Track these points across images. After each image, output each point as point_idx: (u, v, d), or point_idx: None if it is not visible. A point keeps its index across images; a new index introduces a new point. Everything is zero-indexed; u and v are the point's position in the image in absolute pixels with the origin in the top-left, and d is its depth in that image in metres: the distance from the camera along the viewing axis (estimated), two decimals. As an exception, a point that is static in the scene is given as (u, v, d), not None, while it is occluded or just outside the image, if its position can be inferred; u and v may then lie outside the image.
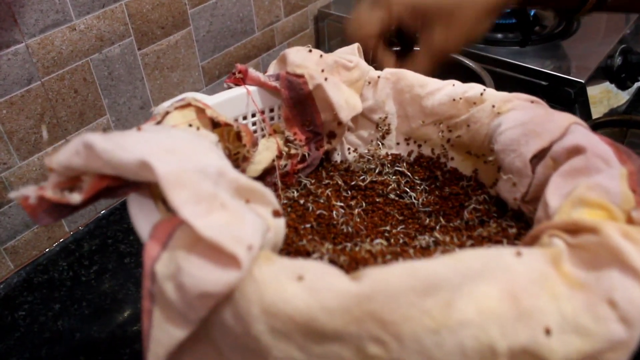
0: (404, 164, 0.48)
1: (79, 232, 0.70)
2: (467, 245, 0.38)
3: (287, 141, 0.49)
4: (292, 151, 0.49)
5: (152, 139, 0.30)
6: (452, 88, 0.46)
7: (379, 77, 0.48)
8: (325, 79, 0.45)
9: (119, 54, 0.66)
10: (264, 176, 0.48)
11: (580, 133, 0.35)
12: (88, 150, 0.28)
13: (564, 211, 0.31)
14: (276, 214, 0.33)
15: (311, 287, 0.24)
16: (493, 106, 0.42)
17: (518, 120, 0.39)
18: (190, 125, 0.38)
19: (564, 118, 0.37)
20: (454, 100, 0.45)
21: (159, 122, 0.37)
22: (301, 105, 0.47)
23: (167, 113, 0.38)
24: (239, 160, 0.43)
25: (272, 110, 0.50)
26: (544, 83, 0.71)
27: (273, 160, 0.48)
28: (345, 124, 0.48)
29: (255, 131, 0.49)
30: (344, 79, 0.47)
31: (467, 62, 0.63)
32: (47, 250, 0.68)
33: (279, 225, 0.33)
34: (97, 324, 0.59)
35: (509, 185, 0.39)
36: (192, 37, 0.74)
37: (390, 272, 0.25)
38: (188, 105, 0.39)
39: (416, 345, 0.23)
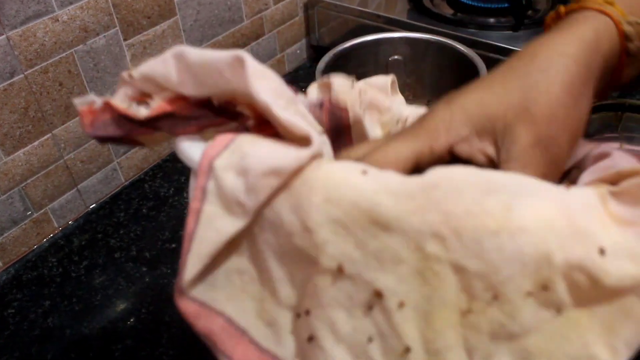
0: None
1: (68, 227, 0.69)
2: None
3: None
4: None
5: None
6: None
7: (407, 117, 0.48)
8: (364, 116, 0.45)
9: (104, 45, 0.65)
10: None
11: (606, 145, 0.35)
12: (177, 57, 0.27)
13: (608, 173, 0.30)
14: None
15: (376, 177, 0.24)
16: None
17: None
18: None
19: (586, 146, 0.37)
20: None
21: None
22: (338, 136, 0.46)
23: None
24: None
25: None
26: (537, 68, 0.70)
27: None
28: None
29: None
30: (376, 120, 0.47)
31: (461, 47, 0.62)
32: (35, 246, 0.67)
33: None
34: (88, 321, 0.58)
35: None
36: (179, 27, 0.73)
37: (454, 169, 0.24)
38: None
39: (475, 246, 0.23)
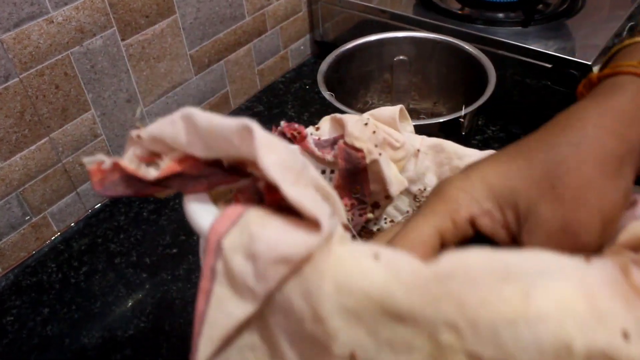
0: None
1: (67, 231, 0.68)
2: None
3: None
4: None
5: None
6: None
7: (418, 150, 0.48)
8: (380, 154, 0.45)
9: (102, 46, 0.63)
10: None
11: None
12: (185, 120, 0.27)
13: (628, 230, 0.28)
14: (345, 227, 0.31)
15: (389, 264, 0.23)
16: None
17: None
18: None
19: None
20: None
21: None
22: (354, 175, 0.47)
23: None
24: None
25: (323, 172, 0.49)
26: (547, 65, 0.68)
27: None
28: (392, 199, 0.48)
29: None
30: (390, 156, 0.47)
31: (468, 47, 0.59)
32: (35, 251, 0.66)
33: (346, 237, 0.31)
34: (87, 329, 0.57)
35: None
36: (179, 25, 0.71)
37: (469, 255, 0.23)
38: None
39: (492, 336, 0.22)
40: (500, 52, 0.70)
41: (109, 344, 0.56)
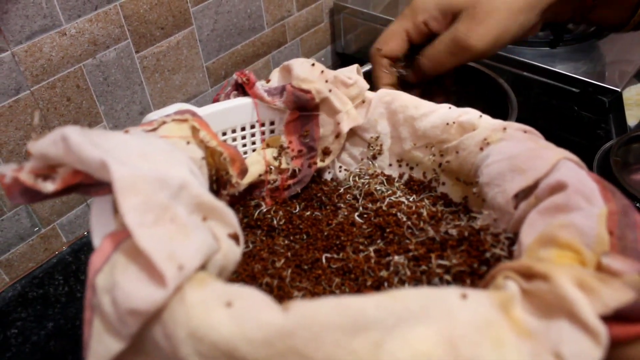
0: (396, 184, 0.47)
1: (76, 243, 0.68)
2: (430, 274, 0.36)
3: (280, 151, 0.49)
4: (283, 166, 0.48)
5: (131, 142, 0.31)
6: (447, 111, 0.44)
7: (371, 99, 0.47)
8: (330, 90, 0.45)
9: (115, 58, 0.62)
10: (252, 190, 0.48)
11: (566, 168, 0.33)
12: (64, 142, 0.28)
13: (533, 250, 0.30)
14: (233, 236, 0.33)
15: (237, 315, 0.24)
16: (485, 139, 0.40)
17: (506, 153, 0.37)
18: (188, 143, 0.38)
19: (554, 154, 0.35)
20: (447, 124, 0.43)
21: (154, 129, 0.37)
22: (304, 119, 0.48)
23: (163, 122, 0.37)
24: (223, 183, 0.41)
25: (272, 123, 0.49)
26: (575, 90, 0.65)
27: (260, 175, 0.48)
28: (343, 136, 0.47)
29: (254, 142, 0.50)
30: (343, 93, 0.47)
31: (488, 71, 0.57)
32: (43, 262, 0.66)
33: (232, 249, 0.32)
34: (89, 347, 0.56)
35: (490, 221, 0.38)
36: (195, 37, 0.70)
37: (319, 307, 0.24)
38: (186, 120, 0.38)
39: None
40: (525, 74, 0.68)
41: (110, 364, 0.55)
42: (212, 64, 0.74)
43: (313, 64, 0.47)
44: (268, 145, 0.49)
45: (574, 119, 0.66)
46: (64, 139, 0.28)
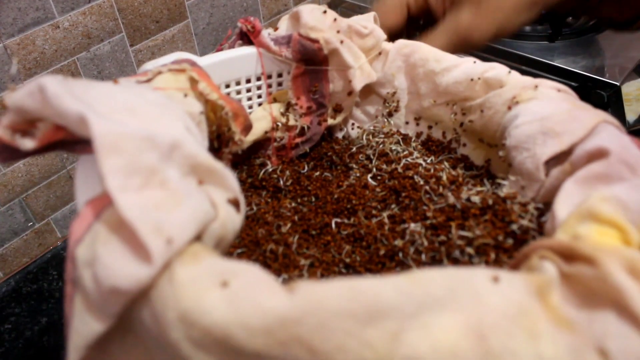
0: (413, 143, 0.43)
1: (71, 238, 0.67)
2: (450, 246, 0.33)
3: (288, 107, 0.44)
4: (291, 123, 0.44)
5: (118, 94, 0.27)
6: (471, 66, 0.39)
7: (388, 50, 0.43)
8: (342, 42, 0.41)
9: (109, 52, 0.62)
10: (257, 148, 0.44)
11: (607, 133, 0.30)
12: (41, 93, 0.24)
13: (570, 225, 0.26)
14: (233, 202, 0.29)
15: (233, 298, 0.21)
16: (513, 97, 0.36)
17: (537, 114, 0.33)
18: (185, 95, 0.34)
19: (592, 116, 0.31)
20: (471, 80, 0.39)
21: (148, 80, 0.33)
22: (312, 73, 0.43)
23: (159, 73, 0.33)
24: (225, 140, 0.38)
25: (280, 76, 0.44)
26: (573, 84, 0.64)
27: (266, 132, 0.43)
28: (355, 94, 0.44)
29: (259, 96, 0.45)
30: (357, 45, 0.43)
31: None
32: (37, 257, 0.65)
33: (231, 217, 0.29)
34: (83, 343, 0.56)
35: (517, 188, 0.34)
36: (191, 31, 0.69)
37: (328, 290, 0.21)
38: (183, 71, 0.34)
39: None
40: (524, 67, 0.67)
41: None
42: (208, 58, 0.74)
43: (325, 11, 0.42)
44: (275, 100, 0.45)
45: (572, 114, 0.66)
46: (41, 89, 0.24)
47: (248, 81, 0.43)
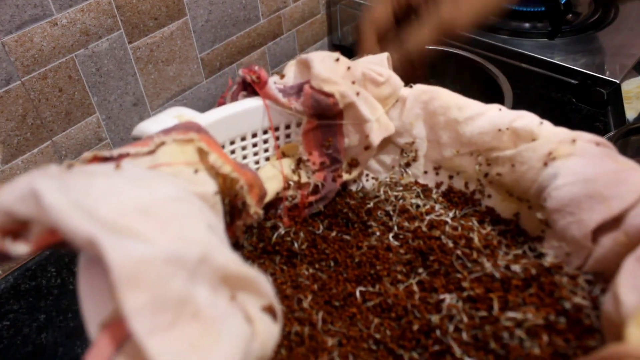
0: (434, 195, 0.41)
1: (69, 235, 0.67)
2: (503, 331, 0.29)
3: (299, 163, 0.41)
4: (303, 180, 0.41)
5: (126, 192, 0.24)
6: (497, 114, 0.37)
7: (406, 97, 0.40)
8: (357, 94, 0.38)
9: (108, 49, 0.62)
10: (267, 208, 0.40)
11: None
12: (35, 199, 0.21)
13: None
14: (268, 309, 0.27)
15: None
16: (549, 153, 0.33)
17: (580, 174, 0.31)
18: (196, 171, 0.31)
19: None
20: (499, 130, 0.36)
21: (151, 152, 0.29)
22: (325, 127, 0.40)
23: (162, 143, 0.30)
24: (238, 213, 0.35)
25: (287, 127, 0.41)
26: (573, 81, 0.64)
27: (277, 193, 0.40)
28: (373, 148, 0.41)
29: (266, 150, 0.42)
30: (373, 94, 0.40)
31: (484, 63, 0.56)
32: (36, 254, 0.65)
33: (269, 330, 0.26)
34: (81, 340, 0.56)
35: (561, 255, 0.32)
36: (190, 28, 0.69)
37: None
38: (191, 141, 0.31)
39: None
40: (523, 65, 0.67)
41: (101, 357, 0.55)
42: (207, 55, 0.73)
43: (337, 59, 0.38)
44: (284, 154, 0.42)
45: (572, 111, 0.66)
46: (35, 195, 0.21)
47: (254, 135, 0.40)
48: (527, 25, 0.72)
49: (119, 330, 0.21)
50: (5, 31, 0.53)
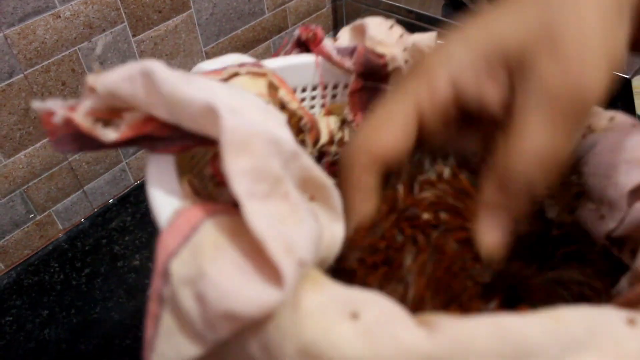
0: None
1: (72, 230, 0.67)
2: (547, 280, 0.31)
3: (343, 123, 0.42)
4: (346, 139, 0.42)
5: (222, 89, 0.24)
6: None
7: None
8: (406, 62, 0.39)
9: (111, 42, 0.61)
10: None
11: None
12: (145, 78, 0.22)
13: None
14: (336, 223, 0.27)
15: (368, 331, 0.18)
16: (588, 125, 0.35)
17: (618, 143, 0.32)
18: (267, 103, 0.31)
19: None
20: None
21: (224, 80, 0.30)
22: (372, 88, 0.41)
23: (235, 74, 0.31)
24: None
25: (335, 87, 0.42)
26: (582, 77, 0.63)
27: (323, 146, 0.41)
28: None
29: (312, 107, 0.42)
30: None
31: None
32: (39, 249, 0.65)
33: (334, 238, 0.26)
34: (84, 335, 0.56)
35: (596, 217, 0.32)
36: (194, 21, 0.68)
37: (475, 329, 0.18)
38: (264, 75, 0.32)
39: None
40: (531, 60, 0.66)
41: (105, 353, 0.54)
42: (212, 49, 0.73)
43: (391, 26, 0.40)
44: (330, 113, 0.43)
45: (580, 108, 0.65)
46: (147, 74, 0.22)
47: (303, 90, 0.41)
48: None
49: (195, 213, 0.21)
50: (8, 24, 0.52)
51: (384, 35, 0.39)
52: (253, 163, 0.21)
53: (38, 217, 0.63)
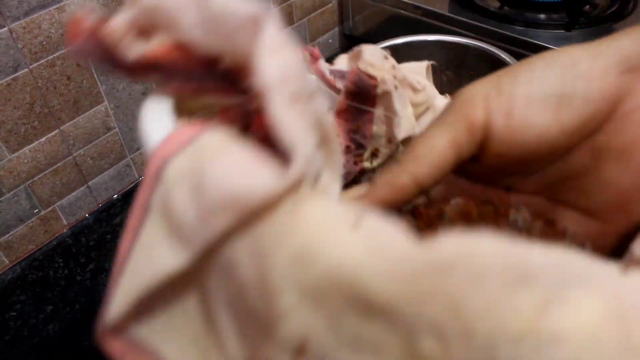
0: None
1: (77, 225, 0.67)
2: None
3: None
4: None
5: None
6: None
7: (439, 107, 0.43)
8: (396, 87, 0.41)
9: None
10: None
11: None
12: None
13: None
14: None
15: (370, 238, 0.17)
16: None
17: None
18: None
19: None
20: None
21: None
22: (358, 110, 0.42)
23: None
24: None
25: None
26: (591, 74, 0.62)
27: None
28: (396, 143, 0.42)
29: None
30: (409, 98, 0.43)
31: (503, 56, 0.55)
32: (43, 244, 0.65)
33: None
34: (88, 331, 0.55)
35: None
36: (199, 16, 0.68)
37: (477, 244, 0.17)
38: None
39: (486, 353, 0.17)
40: (539, 57, 0.65)
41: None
42: (217, 44, 0.72)
43: (386, 57, 0.42)
44: None
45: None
46: None
47: None
48: (543, 16, 0.71)
49: (199, 124, 0.20)
50: (13, 17, 0.52)
51: (377, 60, 0.41)
52: (284, 64, 0.20)
53: (42, 212, 0.63)
